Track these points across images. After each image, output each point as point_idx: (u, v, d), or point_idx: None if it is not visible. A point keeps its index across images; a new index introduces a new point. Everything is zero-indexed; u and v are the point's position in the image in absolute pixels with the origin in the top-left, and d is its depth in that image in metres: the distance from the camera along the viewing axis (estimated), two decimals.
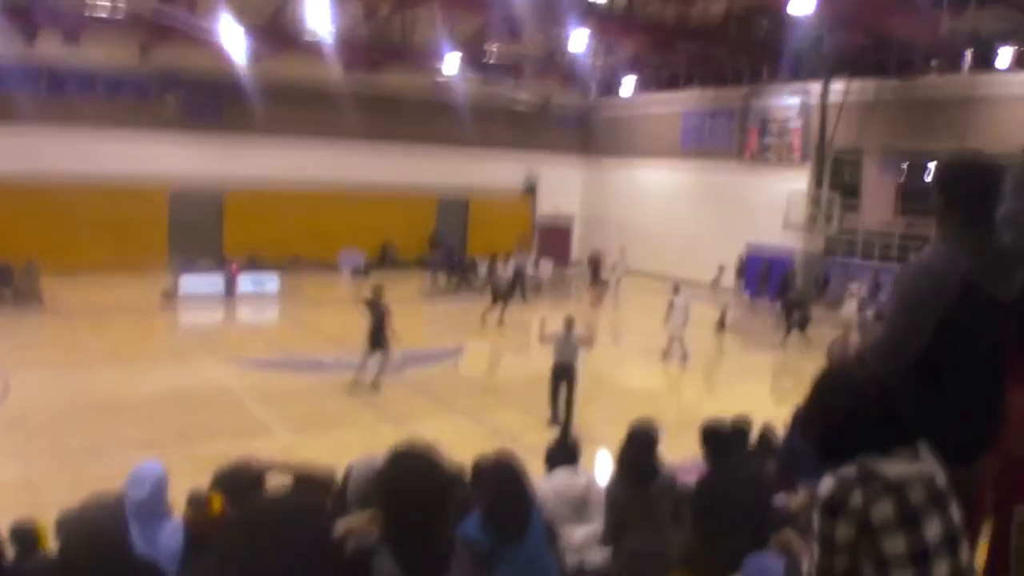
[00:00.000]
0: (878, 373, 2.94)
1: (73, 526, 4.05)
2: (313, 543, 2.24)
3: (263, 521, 2.26)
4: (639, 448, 5.94)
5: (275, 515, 2.28)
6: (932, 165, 27.52)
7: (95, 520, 3.94)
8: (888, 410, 2.73)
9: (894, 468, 2.64)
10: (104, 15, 24.77)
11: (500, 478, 5.61)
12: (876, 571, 2.64)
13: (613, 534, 5.76)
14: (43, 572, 5.14)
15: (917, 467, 2.67)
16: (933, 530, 2.62)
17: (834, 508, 2.64)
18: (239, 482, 4.64)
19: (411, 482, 3.22)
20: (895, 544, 2.60)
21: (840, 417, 2.73)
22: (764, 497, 6.18)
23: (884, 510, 2.60)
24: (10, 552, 5.60)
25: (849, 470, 2.66)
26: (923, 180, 27.57)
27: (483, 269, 30.93)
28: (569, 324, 14.96)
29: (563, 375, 14.69)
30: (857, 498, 2.61)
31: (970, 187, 3.43)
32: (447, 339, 22.34)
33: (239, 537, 2.27)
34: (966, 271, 3.26)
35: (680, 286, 21.82)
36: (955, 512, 2.71)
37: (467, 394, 16.84)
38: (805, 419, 2.91)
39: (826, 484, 2.69)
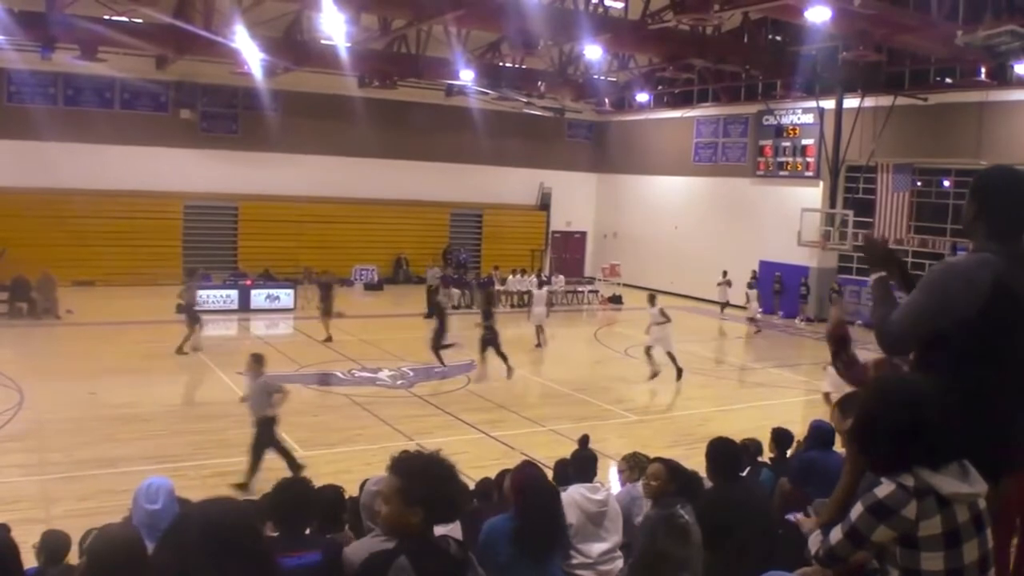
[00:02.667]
0: (934, 384, 2.90)
1: (95, 545, 4.08)
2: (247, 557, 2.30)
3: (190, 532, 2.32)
4: (679, 480, 5.91)
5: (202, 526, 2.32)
6: (947, 181, 27.46)
7: (115, 539, 3.96)
8: (945, 424, 2.71)
9: (947, 485, 2.63)
10: (121, 28, 24.88)
11: (542, 494, 5.56)
12: None
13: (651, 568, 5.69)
14: None
15: (968, 487, 2.67)
16: (970, 553, 2.62)
17: (884, 513, 2.65)
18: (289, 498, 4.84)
19: (440, 484, 3.26)
20: (934, 561, 2.61)
21: (899, 428, 2.70)
22: (771, 513, 6.18)
23: (933, 527, 2.61)
24: (39, 560, 5.63)
25: (908, 479, 2.66)
26: (937, 196, 27.42)
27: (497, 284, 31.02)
28: (257, 362, 12.75)
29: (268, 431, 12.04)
30: (912, 510, 2.62)
31: (1004, 198, 3.42)
32: (459, 354, 22.33)
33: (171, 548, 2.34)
34: (998, 272, 3.22)
35: (543, 280, 24.23)
36: (989, 537, 2.70)
37: (478, 409, 16.81)
38: (862, 427, 2.89)
39: (885, 488, 2.68)
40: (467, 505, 3.48)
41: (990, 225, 3.40)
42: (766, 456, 9.30)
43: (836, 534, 2.78)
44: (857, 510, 2.71)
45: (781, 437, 8.94)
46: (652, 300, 20.74)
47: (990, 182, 3.53)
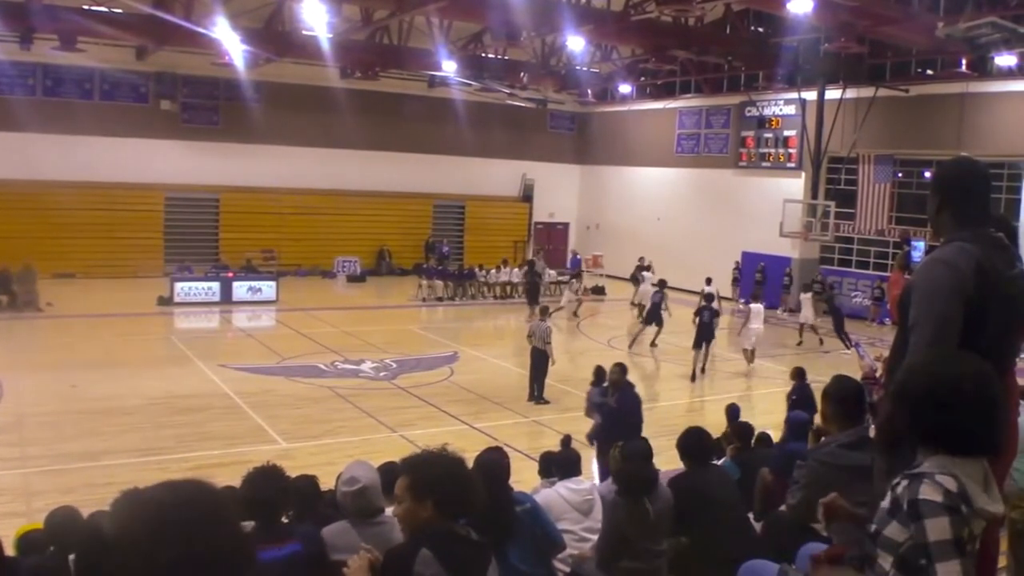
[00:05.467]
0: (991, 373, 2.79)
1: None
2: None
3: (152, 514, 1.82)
4: (635, 462, 5.98)
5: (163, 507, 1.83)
6: (928, 173, 27.59)
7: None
8: (997, 415, 2.62)
9: (980, 499, 2.54)
10: (101, 18, 24.72)
11: (493, 480, 5.51)
12: (899, 566, 2.62)
13: (613, 555, 5.76)
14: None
15: (992, 504, 2.57)
16: (966, 562, 2.56)
17: (955, 509, 2.53)
18: (268, 485, 4.58)
19: (453, 479, 3.26)
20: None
21: (959, 407, 2.57)
22: (738, 499, 6.34)
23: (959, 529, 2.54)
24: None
25: (948, 480, 2.54)
26: (918, 187, 27.54)
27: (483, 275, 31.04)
28: None
29: None
30: (964, 511, 2.52)
31: (965, 188, 3.50)
32: (441, 345, 22.35)
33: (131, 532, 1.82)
34: (978, 258, 3.28)
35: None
36: (977, 543, 2.65)
37: (461, 401, 16.83)
38: (915, 401, 2.68)
39: (932, 490, 2.54)
40: (479, 499, 3.40)
41: (955, 215, 3.48)
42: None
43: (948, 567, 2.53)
44: (939, 525, 2.51)
45: (742, 430, 9.07)
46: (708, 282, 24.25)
47: (950, 174, 3.62)
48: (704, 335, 20.34)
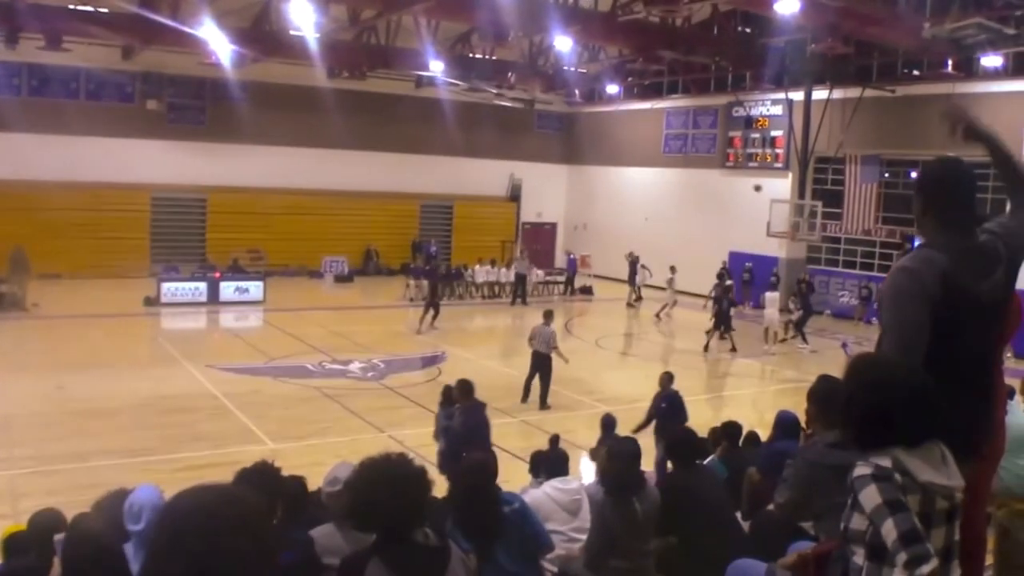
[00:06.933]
0: (919, 368, 2.96)
1: (72, 534, 4.03)
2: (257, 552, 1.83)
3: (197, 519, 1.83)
4: (622, 462, 5.98)
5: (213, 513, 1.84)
6: (915, 173, 27.69)
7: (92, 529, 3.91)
8: (929, 403, 2.76)
9: (924, 473, 2.65)
10: (87, 18, 24.64)
11: (473, 481, 5.51)
12: (869, 555, 2.66)
13: (602, 555, 5.76)
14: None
15: (944, 479, 2.68)
16: (936, 540, 2.63)
17: (884, 477, 2.64)
18: (262, 486, 4.51)
19: (383, 486, 3.14)
20: None
21: (886, 405, 2.74)
22: (725, 500, 6.36)
23: (912, 503, 2.62)
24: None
25: (884, 460, 2.67)
26: (905, 188, 27.63)
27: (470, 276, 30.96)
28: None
29: None
30: (897, 479, 2.63)
31: (949, 190, 3.46)
32: (429, 345, 22.32)
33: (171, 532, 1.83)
34: (944, 269, 3.25)
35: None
36: (957, 529, 2.73)
37: None
38: (848, 403, 2.90)
39: (864, 467, 2.69)
40: (404, 520, 3.13)
41: (938, 218, 3.44)
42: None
43: (891, 522, 2.61)
44: (871, 490, 2.64)
45: (731, 430, 9.08)
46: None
47: (934, 175, 3.57)
48: (722, 321, 23.06)
